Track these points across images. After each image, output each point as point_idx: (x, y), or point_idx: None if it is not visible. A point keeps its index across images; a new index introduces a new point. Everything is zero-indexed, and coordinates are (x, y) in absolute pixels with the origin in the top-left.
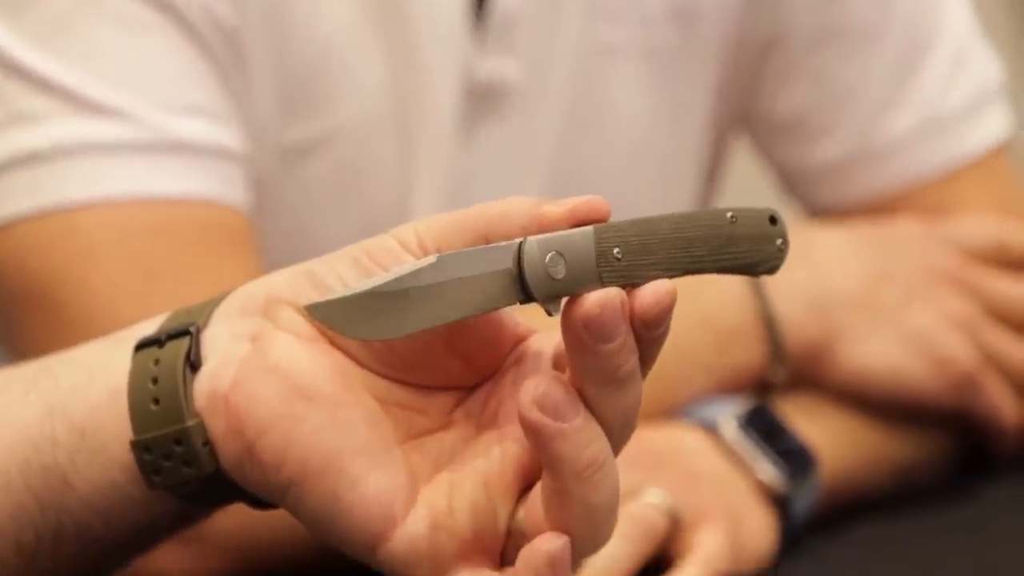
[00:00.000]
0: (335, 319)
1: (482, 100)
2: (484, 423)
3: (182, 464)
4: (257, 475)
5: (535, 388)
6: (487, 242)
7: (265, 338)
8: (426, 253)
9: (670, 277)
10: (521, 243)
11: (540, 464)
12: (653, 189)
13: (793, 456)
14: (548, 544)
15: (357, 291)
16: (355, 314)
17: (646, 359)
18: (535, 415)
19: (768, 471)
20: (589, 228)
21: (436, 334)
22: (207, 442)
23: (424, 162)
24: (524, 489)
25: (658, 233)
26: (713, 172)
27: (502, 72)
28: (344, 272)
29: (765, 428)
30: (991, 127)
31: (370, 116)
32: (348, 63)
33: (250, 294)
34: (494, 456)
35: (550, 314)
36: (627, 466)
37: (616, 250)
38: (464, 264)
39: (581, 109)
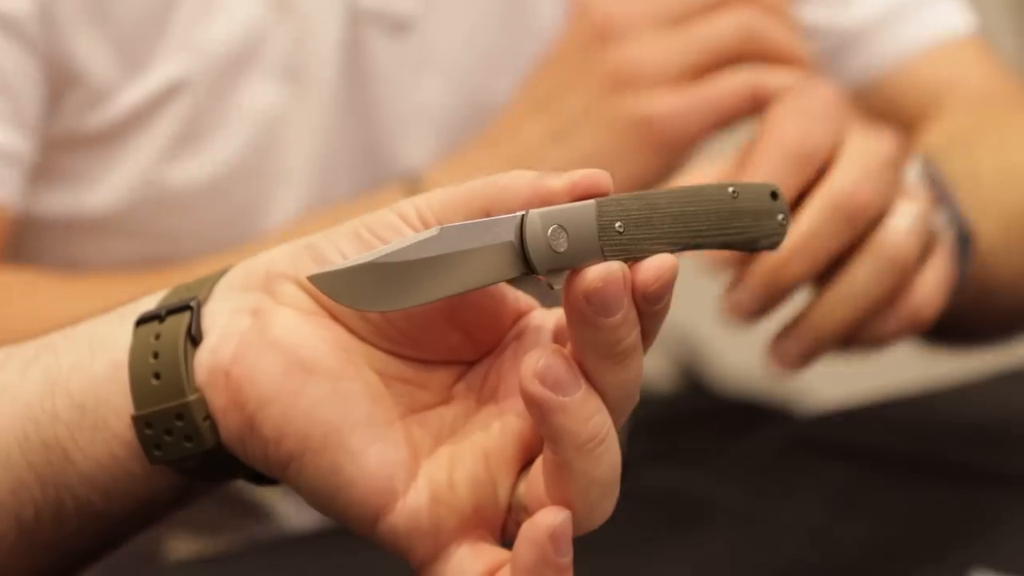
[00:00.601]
0: (336, 289)
1: (371, 29)
2: (485, 397)
3: (183, 439)
4: (258, 449)
5: (536, 361)
6: (488, 216)
7: (266, 312)
8: (427, 227)
9: (671, 251)
10: (523, 216)
11: (541, 438)
12: None
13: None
14: (549, 518)
15: (359, 262)
16: (356, 285)
17: (647, 333)
18: (536, 388)
19: (940, 223)
20: (591, 201)
21: (437, 307)
22: (208, 417)
23: (308, 92)
24: (525, 464)
25: (660, 207)
26: None
27: (391, 4)
28: (345, 246)
29: (937, 184)
30: (957, 15)
31: (237, 53)
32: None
33: (251, 269)
34: (494, 430)
35: (552, 287)
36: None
37: (618, 224)
38: (466, 237)
39: (494, 47)
